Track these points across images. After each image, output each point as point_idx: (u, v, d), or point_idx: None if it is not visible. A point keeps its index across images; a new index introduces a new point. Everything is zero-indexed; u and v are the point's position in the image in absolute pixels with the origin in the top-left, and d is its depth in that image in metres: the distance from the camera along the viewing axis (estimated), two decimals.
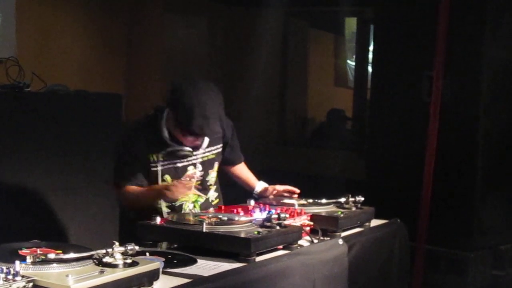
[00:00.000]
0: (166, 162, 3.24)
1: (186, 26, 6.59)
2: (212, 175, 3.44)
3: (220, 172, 3.54)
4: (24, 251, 2.18)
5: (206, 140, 3.30)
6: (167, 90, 3.21)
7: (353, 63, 7.98)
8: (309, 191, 3.57)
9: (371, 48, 6.58)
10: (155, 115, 3.28)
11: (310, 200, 3.44)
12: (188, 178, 3.26)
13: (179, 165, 3.27)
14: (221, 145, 3.47)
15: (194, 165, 3.33)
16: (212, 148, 3.40)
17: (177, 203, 3.27)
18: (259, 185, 3.64)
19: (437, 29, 4.70)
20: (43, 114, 3.77)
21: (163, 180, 3.23)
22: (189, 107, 3.03)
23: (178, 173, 3.27)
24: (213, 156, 3.43)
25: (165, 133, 3.20)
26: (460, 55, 4.87)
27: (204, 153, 3.35)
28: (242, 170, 3.72)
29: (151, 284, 2.20)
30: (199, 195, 3.26)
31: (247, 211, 3.08)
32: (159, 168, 3.23)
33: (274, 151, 7.28)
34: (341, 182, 5.24)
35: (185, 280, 2.35)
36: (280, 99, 7.53)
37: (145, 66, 6.27)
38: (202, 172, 3.36)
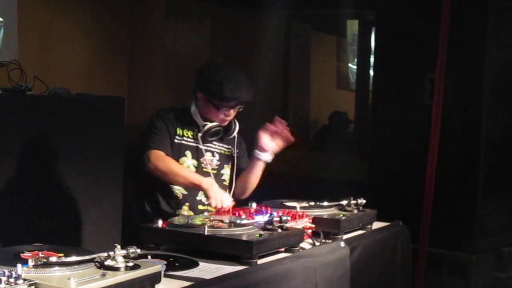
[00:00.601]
0: (191, 139, 3.43)
1: (188, 29, 6.59)
2: (227, 172, 3.55)
3: None
4: (26, 254, 2.18)
5: (237, 126, 3.50)
6: (195, 77, 3.48)
7: (355, 66, 7.97)
8: (311, 194, 3.57)
9: (372, 50, 6.57)
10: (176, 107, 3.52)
11: (312, 203, 3.44)
12: (205, 163, 3.44)
13: (201, 147, 3.44)
14: (235, 150, 3.58)
15: (213, 153, 3.49)
16: (229, 146, 3.57)
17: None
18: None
19: (438, 30, 4.70)
20: (45, 117, 3.77)
21: (184, 156, 3.41)
22: (218, 76, 3.34)
23: (198, 154, 3.44)
24: (229, 153, 3.57)
25: (197, 115, 3.42)
26: (462, 56, 4.85)
27: (221, 146, 3.53)
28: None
29: (153, 287, 2.20)
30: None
31: (249, 214, 3.08)
32: (200, 143, 3.41)
33: (275, 153, 7.26)
34: (343, 184, 5.22)
35: (187, 283, 2.35)
36: (282, 101, 7.51)
37: (147, 69, 6.27)
38: (219, 163, 3.51)
